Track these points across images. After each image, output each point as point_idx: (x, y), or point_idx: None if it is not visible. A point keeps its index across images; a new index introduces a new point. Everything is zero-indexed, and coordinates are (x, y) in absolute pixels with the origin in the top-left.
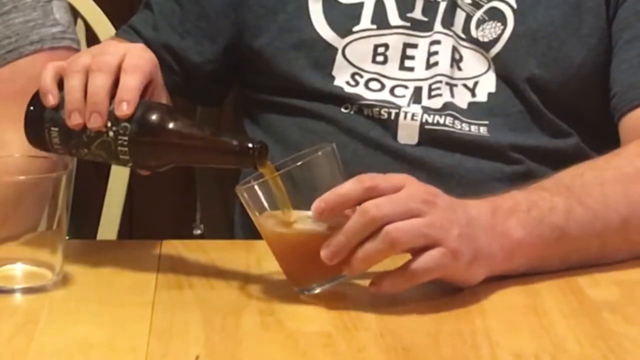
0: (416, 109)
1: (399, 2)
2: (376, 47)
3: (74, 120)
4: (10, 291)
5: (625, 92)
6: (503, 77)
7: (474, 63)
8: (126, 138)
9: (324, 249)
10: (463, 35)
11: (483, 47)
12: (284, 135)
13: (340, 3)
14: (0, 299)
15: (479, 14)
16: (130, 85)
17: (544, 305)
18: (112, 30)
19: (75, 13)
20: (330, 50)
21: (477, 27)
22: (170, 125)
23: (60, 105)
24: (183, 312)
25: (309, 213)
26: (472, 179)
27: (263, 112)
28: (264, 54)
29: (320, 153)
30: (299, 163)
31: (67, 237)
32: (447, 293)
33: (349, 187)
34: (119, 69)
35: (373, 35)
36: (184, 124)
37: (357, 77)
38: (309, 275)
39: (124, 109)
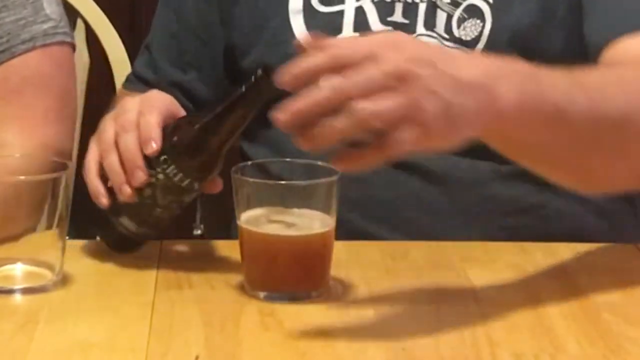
0: None
1: (379, 6)
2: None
3: (125, 192)
4: (10, 291)
5: (595, 33)
6: None
7: None
8: (173, 166)
9: (279, 112)
10: (446, 35)
11: (466, 45)
12: (281, 146)
13: (320, 12)
14: (0, 299)
15: (458, 12)
16: (150, 122)
17: (544, 305)
18: (112, 30)
19: (75, 13)
20: None
21: (459, 26)
22: (197, 128)
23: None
24: (183, 312)
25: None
26: (468, 180)
27: (258, 125)
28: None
29: (322, 180)
30: (303, 183)
31: (67, 237)
32: (447, 293)
33: (314, 57)
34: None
35: None
36: (204, 118)
37: None
38: (274, 280)
39: (153, 146)
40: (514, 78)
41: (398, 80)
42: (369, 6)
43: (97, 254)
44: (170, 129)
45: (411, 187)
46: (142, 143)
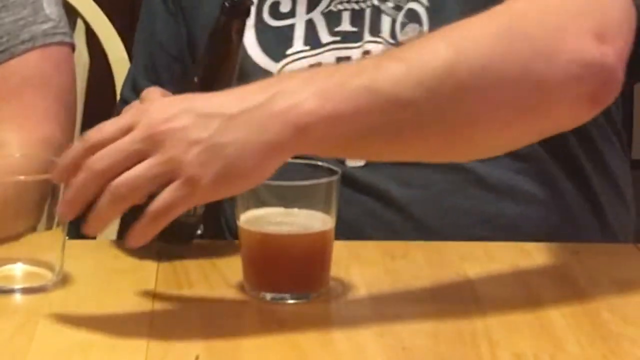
0: None
1: (327, 18)
2: (310, 66)
3: None
4: (10, 291)
5: None
6: None
7: None
8: None
9: (59, 205)
10: (392, 40)
11: None
12: None
13: (272, 27)
14: (0, 299)
15: (400, 17)
16: (152, 93)
17: (544, 305)
18: (112, 30)
19: (75, 13)
20: (265, 76)
21: (401, 30)
22: (200, 73)
23: None
24: (183, 312)
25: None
26: (422, 196)
27: None
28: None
29: (322, 180)
30: (300, 183)
31: (67, 237)
32: (447, 293)
33: (73, 150)
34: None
35: (307, 57)
36: (199, 65)
37: None
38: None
39: None
40: (307, 84)
41: (151, 143)
42: (318, 18)
43: (97, 254)
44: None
45: (368, 207)
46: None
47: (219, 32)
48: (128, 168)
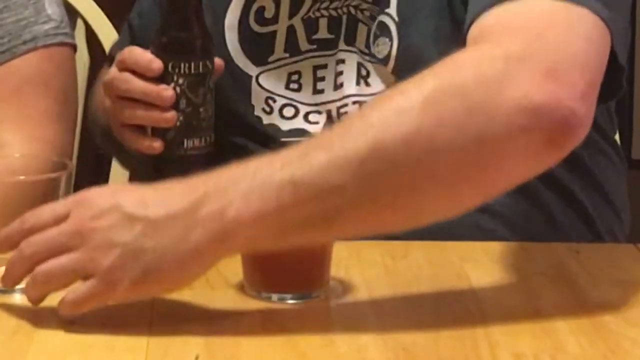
0: None
1: (306, 25)
2: (290, 74)
3: (168, 118)
4: (10, 291)
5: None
6: None
7: (380, 78)
8: (183, 62)
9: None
10: (366, 50)
11: (381, 63)
12: None
13: (256, 33)
14: (0, 299)
15: (374, 27)
16: (133, 53)
17: (544, 305)
18: (112, 30)
19: (75, 13)
20: (246, 78)
21: (374, 42)
22: (171, 18)
23: None
24: (183, 312)
25: None
26: None
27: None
28: None
29: None
30: None
31: None
32: (447, 293)
33: (11, 227)
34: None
35: (286, 64)
36: (165, 12)
37: (270, 101)
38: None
39: (156, 62)
40: (231, 186)
41: (76, 239)
42: (298, 24)
43: None
44: (152, 46)
45: None
46: (144, 71)
47: None
48: (56, 254)
